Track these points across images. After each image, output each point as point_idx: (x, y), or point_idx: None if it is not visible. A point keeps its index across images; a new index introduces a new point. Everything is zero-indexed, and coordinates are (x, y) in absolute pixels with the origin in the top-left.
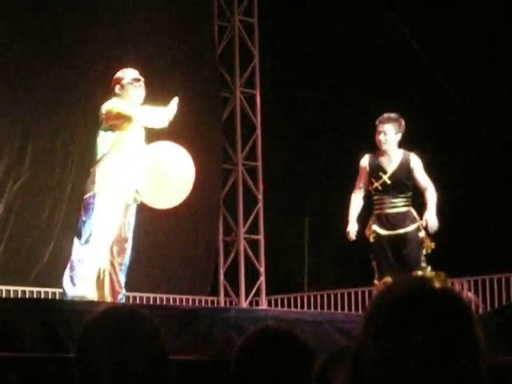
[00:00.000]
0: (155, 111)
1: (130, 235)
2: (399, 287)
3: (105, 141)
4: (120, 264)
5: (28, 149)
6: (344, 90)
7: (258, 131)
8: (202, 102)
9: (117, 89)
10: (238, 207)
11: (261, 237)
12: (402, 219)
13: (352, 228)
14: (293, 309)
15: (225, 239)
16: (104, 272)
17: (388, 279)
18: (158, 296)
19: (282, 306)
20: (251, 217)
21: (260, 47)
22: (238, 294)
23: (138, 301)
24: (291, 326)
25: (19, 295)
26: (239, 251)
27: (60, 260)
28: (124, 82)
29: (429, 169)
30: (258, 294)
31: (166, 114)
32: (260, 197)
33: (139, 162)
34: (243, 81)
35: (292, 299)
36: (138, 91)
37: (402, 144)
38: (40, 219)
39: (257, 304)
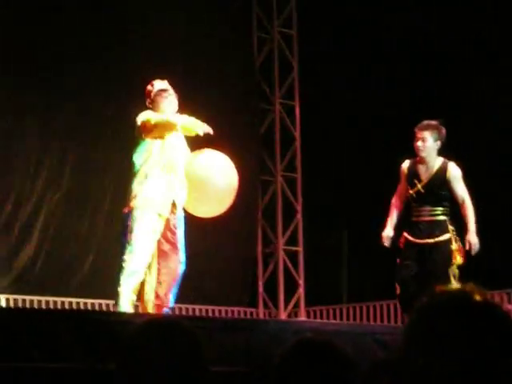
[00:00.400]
0: (194, 119)
1: (178, 248)
2: (439, 300)
3: (140, 153)
4: (164, 279)
5: (67, 161)
6: (385, 102)
7: (297, 143)
8: (241, 113)
9: (147, 102)
10: (277, 219)
11: (300, 248)
12: (432, 228)
13: (386, 233)
14: (332, 320)
15: (264, 251)
16: (146, 286)
17: (403, 286)
18: (196, 307)
19: (321, 317)
20: (290, 228)
21: (299, 59)
22: (276, 306)
23: (177, 312)
24: (331, 338)
25: (59, 306)
26: (278, 263)
27: (99, 271)
28: (152, 94)
29: (467, 178)
30: (296, 305)
31: (204, 125)
32: (299, 208)
33: (180, 170)
34: (282, 92)
35: (331, 311)
36: (167, 101)
37: (443, 153)
38: (79, 231)
39: (296, 316)
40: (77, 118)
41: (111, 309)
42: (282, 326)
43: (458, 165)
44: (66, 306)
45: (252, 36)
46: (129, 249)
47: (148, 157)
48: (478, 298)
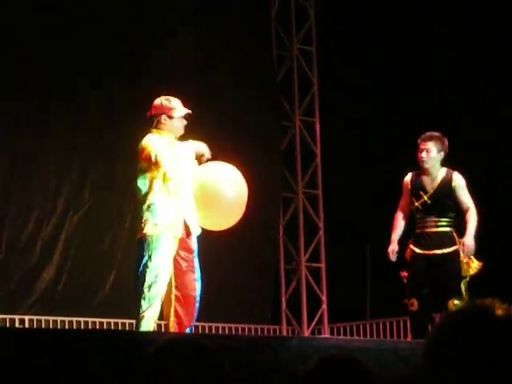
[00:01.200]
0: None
1: (194, 266)
2: (460, 315)
3: (144, 179)
4: (185, 297)
5: (87, 181)
6: (405, 117)
7: (318, 159)
8: (262, 130)
9: (163, 118)
10: (299, 235)
11: (322, 265)
12: (440, 240)
13: (392, 248)
14: (355, 337)
15: (286, 268)
16: (166, 305)
17: (414, 301)
18: (220, 325)
19: (345, 334)
20: (312, 245)
21: (319, 75)
22: (300, 323)
23: (200, 330)
24: (355, 354)
25: (81, 326)
26: (301, 279)
27: (121, 290)
28: (174, 114)
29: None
30: (320, 322)
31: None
32: (321, 225)
33: (189, 188)
34: (302, 109)
35: (354, 327)
36: (182, 128)
37: (447, 163)
38: (100, 250)
39: (319, 332)
40: (98, 138)
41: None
42: (305, 343)
43: (464, 175)
44: (89, 326)
45: (271, 53)
46: (149, 275)
47: (150, 183)
48: (499, 312)
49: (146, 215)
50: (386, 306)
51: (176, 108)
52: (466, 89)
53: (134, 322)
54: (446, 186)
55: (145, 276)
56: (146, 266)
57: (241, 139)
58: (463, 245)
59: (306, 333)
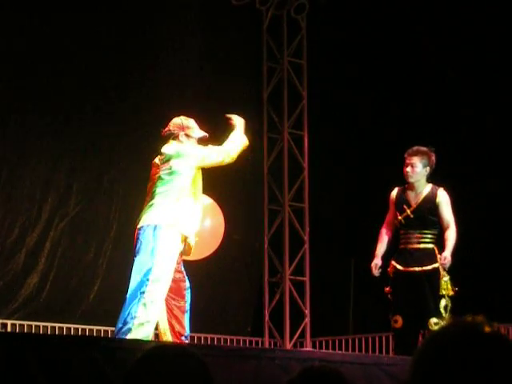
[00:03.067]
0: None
1: (184, 276)
2: (448, 332)
3: (177, 178)
4: (177, 306)
5: (73, 188)
6: (394, 131)
7: (306, 173)
8: (250, 142)
9: (181, 135)
10: (284, 248)
11: (306, 278)
12: (421, 257)
13: (374, 263)
14: (337, 351)
15: (270, 280)
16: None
17: (398, 318)
18: (202, 336)
19: (327, 347)
20: (297, 258)
21: (309, 89)
22: (282, 336)
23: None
24: (337, 367)
25: (65, 332)
26: (285, 292)
27: (105, 298)
28: (193, 134)
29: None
30: (302, 335)
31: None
32: (306, 238)
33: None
34: (291, 122)
35: (337, 341)
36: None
37: (434, 179)
38: (86, 257)
39: (301, 346)
40: (84, 146)
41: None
42: (289, 355)
43: (449, 192)
44: (72, 333)
45: (262, 65)
46: (153, 275)
47: (187, 186)
48: (487, 329)
49: (165, 207)
50: (369, 321)
51: (194, 128)
52: (457, 102)
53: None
54: (430, 202)
55: (146, 276)
56: (150, 266)
57: None
58: (444, 258)
59: (288, 346)
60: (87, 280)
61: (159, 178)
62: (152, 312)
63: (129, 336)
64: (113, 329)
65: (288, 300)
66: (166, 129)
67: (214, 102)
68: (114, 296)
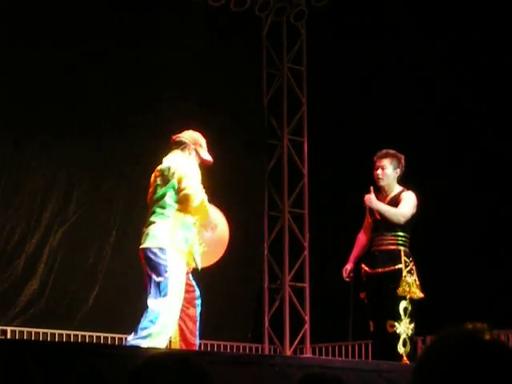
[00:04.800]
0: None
1: (194, 285)
2: (448, 339)
3: (173, 197)
4: (187, 315)
5: (73, 195)
6: (394, 137)
7: (305, 179)
8: (250, 148)
9: (191, 149)
10: (284, 255)
11: (306, 284)
12: (384, 258)
13: (345, 268)
14: (337, 357)
15: (270, 286)
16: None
17: (370, 323)
18: (202, 342)
19: (327, 354)
20: (297, 264)
21: (308, 95)
22: (282, 342)
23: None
24: (337, 374)
25: (64, 339)
26: (284, 299)
27: (104, 305)
28: (202, 154)
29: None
30: (302, 341)
31: None
32: (306, 244)
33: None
34: (291, 128)
35: (337, 348)
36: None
37: (407, 182)
38: (85, 264)
39: (301, 352)
40: (84, 152)
41: (122, 343)
42: (288, 361)
43: (420, 196)
44: (72, 339)
45: (262, 71)
46: (169, 291)
47: (179, 204)
48: (487, 337)
49: (169, 231)
50: (369, 327)
51: (204, 149)
52: (455, 111)
53: (119, 336)
54: (395, 203)
55: (160, 292)
56: (163, 282)
57: (228, 157)
58: (366, 197)
59: (288, 352)
60: (86, 286)
61: (159, 188)
62: (168, 323)
63: (143, 344)
64: (112, 335)
65: (288, 306)
66: (179, 136)
67: (214, 107)
68: (112, 302)
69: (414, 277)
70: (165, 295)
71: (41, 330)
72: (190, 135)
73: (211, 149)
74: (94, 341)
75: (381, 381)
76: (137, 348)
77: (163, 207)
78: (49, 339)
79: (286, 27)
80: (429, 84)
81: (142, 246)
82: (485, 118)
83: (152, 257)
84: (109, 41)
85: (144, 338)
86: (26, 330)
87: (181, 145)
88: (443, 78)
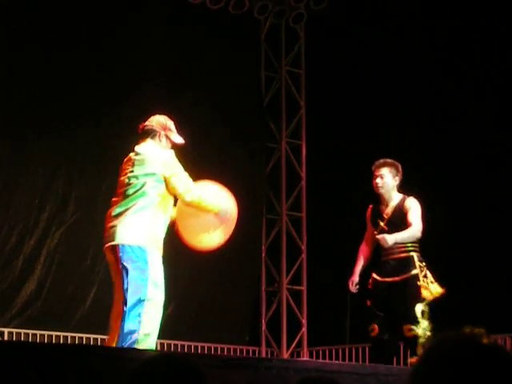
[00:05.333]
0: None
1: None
2: (446, 344)
3: (153, 194)
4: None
5: (71, 196)
6: (392, 144)
7: (303, 182)
8: (248, 151)
9: (161, 135)
10: (282, 257)
11: (303, 287)
12: (400, 266)
13: (351, 280)
14: (334, 361)
15: (267, 289)
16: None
17: (374, 326)
18: (199, 344)
19: (324, 357)
20: (294, 267)
21: (307, 98)
22: (279, 345)
23: (179, 349)
24: (334, 377)
25: (61, 341)
26: (282, 302)
27: (102, 306)
28: (172, 137)
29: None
30: (299, 345)
31: None
32: (303, 248)
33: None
34: (289, 131)
35: (334, 351)
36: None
37: (406, 189)
38: (82, 265)
39: (298, 355)
40: (83, 154)
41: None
42: (285, 364)
43: (420, 200)
44: (69, 341)
45: (260, 74)
46: (151, 284)
47: (160, 193)
48: (485, 341)
49: (143, 223)
50: (366, 330)
51: (174, 132)
52: (458, 122)
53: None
54: (400, 211)
55: (143, 287)
56: (145, 276)
57: (226, 159)
58: (382, 238)
59: (285, 355)
60: (84, 288)
61: (133, 178)
62: (154, 322)
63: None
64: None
65: (285, 309)
66: (147, 124)
67: (212, 110)
68: (110, 304)
69: (430, 278)
70: (145, 293)
71: (38, 332)
72: (157, 121)
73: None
74: (92, 342)
75: None
76: (134, 350)
77: (140, 198)
78: (46, 341)
79: (285, 30)
80: (429, 88)
81: (116, 242)
82: (486, 117)
83: (130, 251)
84: (108, 41)
85: (134, 342)
86: (23, 331)
87: (150, 133)
88: (443, 82)
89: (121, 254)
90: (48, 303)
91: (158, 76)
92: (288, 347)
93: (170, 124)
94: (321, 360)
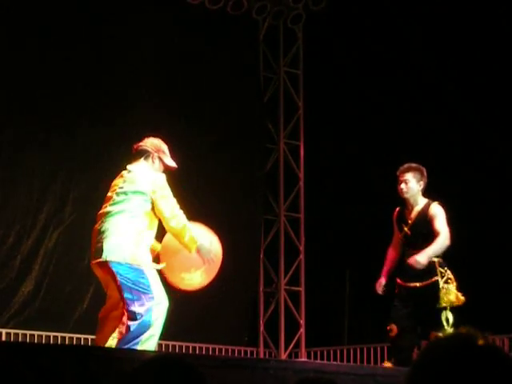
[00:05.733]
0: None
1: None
2: (443, 344)
3: (139, 208)
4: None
5: (69, 196)
6: (387, 145)
7: (301, 183)
8: (246, 152)
9: (155, 157)
10: (280, 258)
11: (301, 288)
12: (420, 272)
13: (379, 282)
14: (332, 362)
15: (265, 290)
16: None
17: (393, 326)
18: (197, 345)
19: (322, 358)
20: (292, 268)
21: (305, 99)
22: (277, 346)
23: (177, 350)
24: (332, 378)
25: (59, 341)
26: (280, 302)
27: (99, 307)
28: (166, 160)
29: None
30: (297, 345)
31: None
32: (301, 248)
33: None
34: (287, 132)
35: (332, 352)
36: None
37: (430, 195)
38: (80, 266)
39: (296, 356)
40: (81, 155)
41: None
42: (283, 365)
43: (445, 206)
44: (67, 342)
45: (259, 75)
46: (155, 302)
47: (146, 211)
48: (481, 342)
49: (137, 247)
50: (364, 331)
51: (167, 155)
52: (454, 123)
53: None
54: (424, 217)
55: (147, 305)
56: (150, 296)
57: (224, 160)
58: (413, 260)
59: (283, 356)
60: (81, 288)
61: (122, 194)
62: (159, 325)
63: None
64: None
65: (283, 310)
66: (141, 145)
67: (210, 110)
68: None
69: (452, 284)
70: (152, 299)
71: (36, 333)
72: (151, 143)
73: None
74: (89, 343)
75: None
76: (132, 351)
77: (127, 214)
78: (43, 341)
79: (283, 31)
80: (428, 87)
81: (104, 259)
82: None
83: (122, 266)
84: (107, 41)
85: (137, 343)
86: (20, 332)
87: (144, 153)
88: (442, 80)
89: (115, 270)
90: (45, 303)
91: (155, 75)
92: (286, 348)
93: (164, 147)
94: (319, 361)
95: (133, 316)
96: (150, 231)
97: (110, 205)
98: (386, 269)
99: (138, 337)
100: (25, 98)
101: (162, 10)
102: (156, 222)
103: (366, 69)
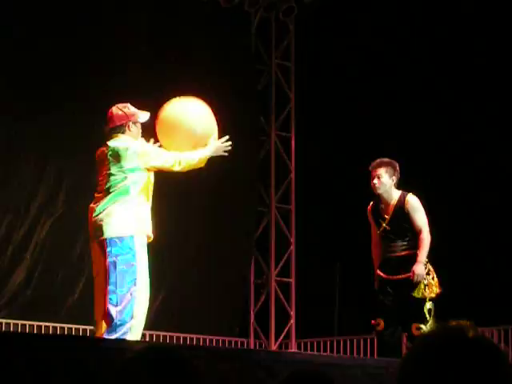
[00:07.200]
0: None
1: None
2: (433, 338)
3: (135, 180)
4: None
5: (62, 186)
6: (380, 138)
7: (292, 175)
8: (238, 144)
9: (130, 125)
10: (271, 250)
11: (292, 280)
12: (402, 264)
13: (376, 277)
14: (322, 352)
15: (256, 281)
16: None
17: (380, 321)
18: (187, 336)
19: (312, 349)
20: (283, 260)
21: (296, 91)
22: (267, 337)
23: (168, 340)
24: (326, 371)
25: (50, 331)
26: (270, 294)
27: (90, 297)
28: (139, 119)
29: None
30: (287, 336)
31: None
32: (292, 240)
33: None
34: (279, 124)
35: (322, 343)
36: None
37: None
38: (71, 256)
39: (286, 347)
40: (73, 144)
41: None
42: (273, 356)
43: (420, 196)
44: (58, 331)
45: (251, 67)
46: (139, 277)
47: (141, 185)
48: (471, 334)
49: (129, 213)
50: (354, 323)
51: (138, 113)
52: (441, 113)
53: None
54: (401, 210)
55: (130, 279)
56: (133, 269)
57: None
58: (412, 273)
59: (274, 347)
60: (73, 278)
61: (112, 175)
62: (143, 312)
63: (126, 337)
64: None
65: (274, 301)
66: (111, 124)
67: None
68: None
69: (432, 276)
70: (134, 284)
71: (27, 322)
72: (116, 116)
73: None
74: (81, 333)
75: (365, 377)
76: (123, 341)
77: (124, 191)
78: (35, 331)
79: (275, 23)
80: (420, 81)
81: (104, 237)
82: (484, 114)
83: (118, 244)
84: (96, 28)
85: (124, 333)
86: (12, 322)
87: (119, 131)
88: (434, 74)
89: (109, 249)
90: (37, 293)
91: (145, 66)
92: (276, 339)
93: (129, 109)
94: (309, 352)
95: (110, 320)
96: (148, 199)
97: (104, 186)
98: (377, 262)
99: (122, 324)
100: (15, 85)
101: (154, 2)
102: (150, 195)
103: (357, 61)
